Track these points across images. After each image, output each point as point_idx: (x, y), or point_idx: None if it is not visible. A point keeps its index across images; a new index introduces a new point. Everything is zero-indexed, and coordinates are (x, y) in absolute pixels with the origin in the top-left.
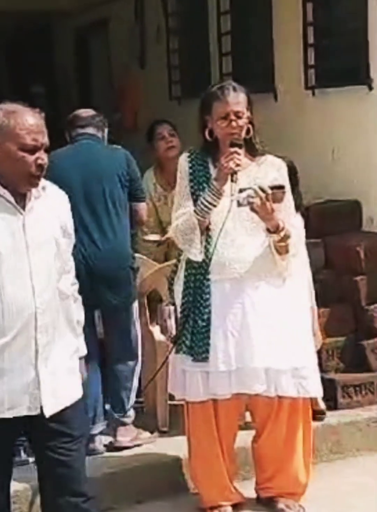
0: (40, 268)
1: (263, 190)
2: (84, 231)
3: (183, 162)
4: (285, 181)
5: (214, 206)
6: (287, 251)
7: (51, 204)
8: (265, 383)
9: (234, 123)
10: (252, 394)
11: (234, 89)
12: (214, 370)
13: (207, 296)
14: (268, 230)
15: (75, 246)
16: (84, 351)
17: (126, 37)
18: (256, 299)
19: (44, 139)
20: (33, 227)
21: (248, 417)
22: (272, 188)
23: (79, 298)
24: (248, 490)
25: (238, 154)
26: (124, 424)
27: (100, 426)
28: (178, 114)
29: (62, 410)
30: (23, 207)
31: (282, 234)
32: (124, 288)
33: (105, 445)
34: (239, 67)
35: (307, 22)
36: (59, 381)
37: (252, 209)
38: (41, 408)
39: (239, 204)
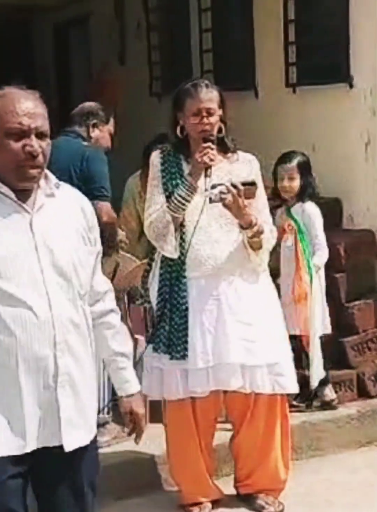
0: (54, 275)
1: (235, 186)
2: None
3: (155, 159)
4: (257, 176)
5: (188, 201)
6: (260, 247)
7: (67, 205)
8: (241, 379)
9: (205, 120)
10: (228, 391)
11: (207, 86)
12: (193, 367)
13: (184, 293)
14: (240, 226)
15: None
16: (136, 386)
17: (107, 33)
18: (231, 295)
19: (37, 123)
20: (43, 228)
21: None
22: (244, 184)
23: (123, 328)
24: (228, 486)
25: (212, 149)
26: (100, 424)
27: None
28: (158, 111)
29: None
30: (32, 206)
31: (255, 229)
32: None
33: None
34: (220, 64)
35: (288, 20)
36: (81, 411)
37: (224, 205)
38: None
39: (211, 200)
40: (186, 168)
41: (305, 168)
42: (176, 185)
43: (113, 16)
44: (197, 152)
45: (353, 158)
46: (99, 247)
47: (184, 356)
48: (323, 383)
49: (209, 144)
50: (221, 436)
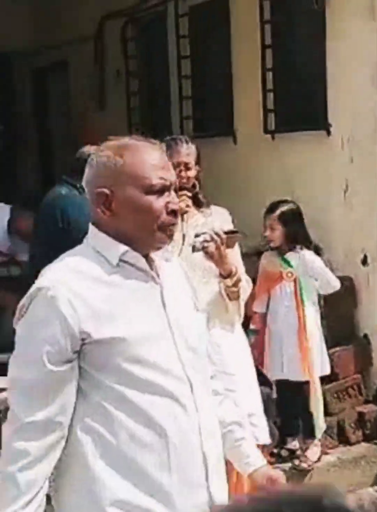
0: (189, 354)
1: (218, 235)
2: None
3: None
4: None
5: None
6: (238, 297)
7: (175, 269)
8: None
9: (183, 173)
10: None
11: (186, 142)
12: None
13: None
14: (221, 274)
15: None
16: (259, 460)
17: (86, 79)
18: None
19: (173, 177)
20: (171, 300)
21: None
22: (226, 233)
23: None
24: None
25: (188, 196)
26: None
27: None
28: None
29: None
30: (157, 274)
31: (234, 279)
32: None
33: None
34: (199, 111)
35: (266, 68)
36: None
37: (206, 253)
38: None
39: (194, 249)
40: None
41: (290, 217)
42: None
43: (92, 62)
44: None
45: (332, 205)
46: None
47: None
48: (296, 432)
49: (185, 192)
50: None
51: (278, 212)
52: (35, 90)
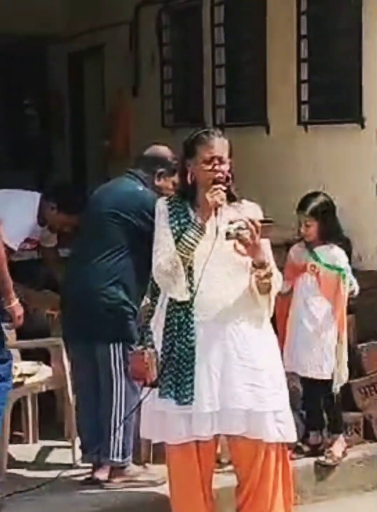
0: None
1: (253, 223)
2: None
3: (162, 205)
4: None
5: (197, 242)
6: (269, 290)
7: None
8: (246, 425)
9: (217, 167)
10: (232, 436)
11: (219, 135)
12: (198, 411)
13: (192, 337)
14: (253, 265)
15: None
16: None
17: (121, 64)
18: (237, 340)
19: None
20: None
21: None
22: (261, 221)
23: None
24: None
25: (222, 190)
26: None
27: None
28: (171, 143)
29: None
30: None
31: (267, 270)
32: None
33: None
34: (232, 100)
35: (301, 58)
36: None
37: (241, 241)
38: None
39: (228, 236)
40: (192, 215)
41: (323, 212)
42: (183, 230)
43: (127, 48)
44: (208, 193)
45: (363, 198)
46: None
47: (191, 401)
48: (320, 427)
49: (220, 185)
50: (226, 480)
51: (310, 208)
52: (70, 75)
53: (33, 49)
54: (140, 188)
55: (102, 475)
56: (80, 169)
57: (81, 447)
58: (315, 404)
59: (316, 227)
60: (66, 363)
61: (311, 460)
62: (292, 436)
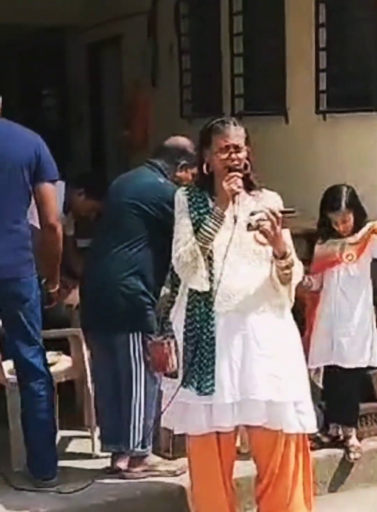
0: None
1: (274, 214)
2: None
3: (181, 196)
4: None
5: (216, 232)
6: (290, 280)
7: None
8: (267, 416)
9: (234, 155)
10: (253, 427)
11: (234, 124)
12: (219, 402)
13: (213, 328)
14: (275, 255)
15: None
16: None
17: (139, 54)
18: (258, 330)
19: None
20: None
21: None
22: (282, 212)
23: None
24: None
25: (239, 177)
26: (139, 456)
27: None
28: (189, 133)
29: None
30: None
31: (289, 260)
32: None
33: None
34: (251, 89)
35: (320, 47)
36: None
37: (262, 232)
38: None
39: (249, 227)
40: (211, 205)
41: (352, 203)
42: (203, 220)
43: (145, 38)
44: (224, 181)
45: None
46: None
47: (212, 391)
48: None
49: (236, 173)
50: (245, 470)
51: (344, 203)
52: (89, 65)
53: (52, 40)
54: (161, 180)
55: (122, 464)
56: (99, 159)
57: (100, 437)
58: (336, 395)
59: (352, 219)
60: (86, 353)
61: (330, 451)
62: (312, 427)
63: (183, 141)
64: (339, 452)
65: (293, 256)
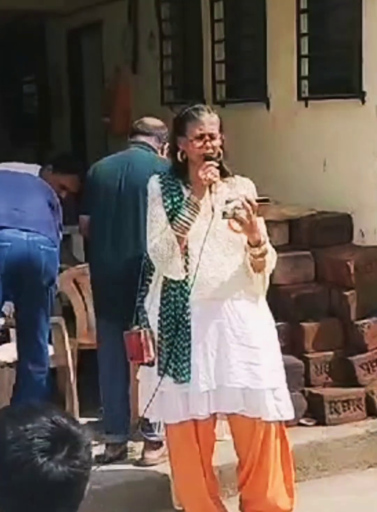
0: None
1: (249, 202)
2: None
3: (154, 184)
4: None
5: (192, 221)
6: (263, 268)
7: None
8: (243, 404)
9: (208, 143)
10: (232, 414)
11: (208, 111)
12: (195, 390)
13: (188, 316)
14: (249, 243)
15: None
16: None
17: (119, 40)
18: (234, 318)
19: None
20: None
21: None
22: (258, 201)
23: None
24: (234, 505)
25: (214, 166)
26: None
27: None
28: (170, 120)
29: None
30: None
31: (262, 248)
32: None
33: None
34: (232, 75)
35: (301, 33)
36: None
37: (237, 220)
38: None
39: (225, 215)
40: (185, 192)
41: None
42: (177, 208)
43: (126, 24)
44: (200, 170)
45: (364, 174)
46: None
47: (188, 379)
48: None
49: (212, 162)
50: (226, 457)
51: None
52: (69, 51)
53: (32, 26)
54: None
55: (154, 454)
56: (80, 145)
57: (105, 427)
58: None
59: None
60: (67, 342)
61: (313, 437)
62: (289, 414)
63: (161, 122)
64: (321, 437)
65: (267, 245)
